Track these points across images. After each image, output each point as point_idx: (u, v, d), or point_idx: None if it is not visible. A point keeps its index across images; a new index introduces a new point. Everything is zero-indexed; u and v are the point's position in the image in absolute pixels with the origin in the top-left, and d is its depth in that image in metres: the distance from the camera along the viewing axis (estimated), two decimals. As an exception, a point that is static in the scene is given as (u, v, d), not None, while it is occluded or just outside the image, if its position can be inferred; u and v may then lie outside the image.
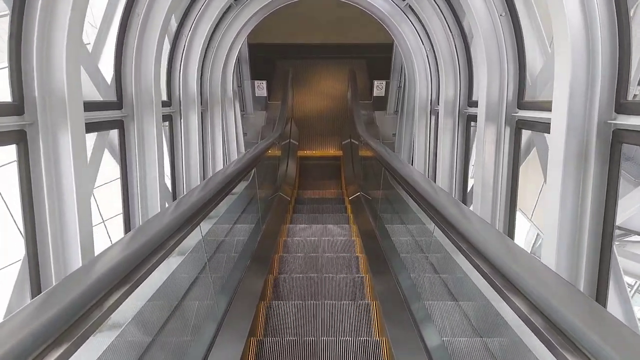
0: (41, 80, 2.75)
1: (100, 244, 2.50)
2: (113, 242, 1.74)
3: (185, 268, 2.88)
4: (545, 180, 3.80)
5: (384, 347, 2.97)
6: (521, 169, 4.28)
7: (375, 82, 11.89)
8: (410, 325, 2.98)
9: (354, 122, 9.22)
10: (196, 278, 2.93)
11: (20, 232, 2.88)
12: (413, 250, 4.02)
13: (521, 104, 4.12)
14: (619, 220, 2.72)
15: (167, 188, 5.72)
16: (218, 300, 3.22)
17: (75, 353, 1.25)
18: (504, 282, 1.60)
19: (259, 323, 3.37)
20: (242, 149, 9.07)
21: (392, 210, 5.35)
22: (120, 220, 4.59)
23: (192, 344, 2.71)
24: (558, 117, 2.78)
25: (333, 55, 13.53)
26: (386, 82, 11.79)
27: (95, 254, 2.15)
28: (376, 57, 12.59)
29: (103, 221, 8.25)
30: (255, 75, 12.10)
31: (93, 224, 3.17)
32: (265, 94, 12.05)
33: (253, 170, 4.99)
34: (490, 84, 4.19)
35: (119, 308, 1.51)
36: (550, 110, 2.96)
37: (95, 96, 4.05)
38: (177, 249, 2.19)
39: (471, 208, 4.88)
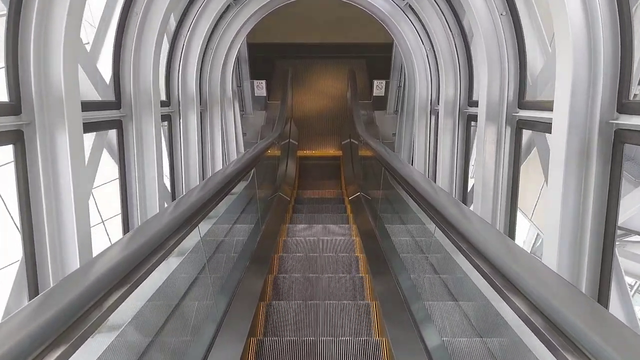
0: (38, 79, 2.73)
1: (100, 245, 2.48)
2: (111, 243, 1.73)
3: (184, 269, 2.87)
4: (546, 181, 3.78)
5: (383, 347, 2.96)
6: (521, 168, 4.27)
7: (375, 82, 11.88)
8: (410, 325, 2.98)
9: (354, 122, 9.21)
10: (195, 279, 2.92)
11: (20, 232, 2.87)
12: (413, 251, 4.01)
13: (522, 104, 4.10)
14: (619, 221, 2.71)
15: (166, 188, 5.70)
16: (218, 301, 3.22)
17: (74, 354, 1.24)
18: (504, 282, 1.59)
19: (259, 323, 3.36)
20: (242, 149, 9.05)
21: (392, 210, 5.34)
22: (119, 220, 4.58)
23: (191, 344, 2.71)
24: (559, 117, 2.76)
25: (332, 55, 13.52)
26: (386, 82, 11.77)
27: (93, 255, 2.14)
28: (376, 56, 12.58)
29: (102, 221, 8.24)
30: (255, 75, 12.09)
31: (92, 224, 3.16)
32: (264, 94, 12.03)
33: (252, 171, 4.98)
34: (490, 83, 4.17)
35: (117, 309, 1.50)
36: (552, 110, 2.94)
37: (94, 96, 4.04)
38: (176, 249, 2.18)
39: (471, 208, 4.86)
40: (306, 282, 4.05)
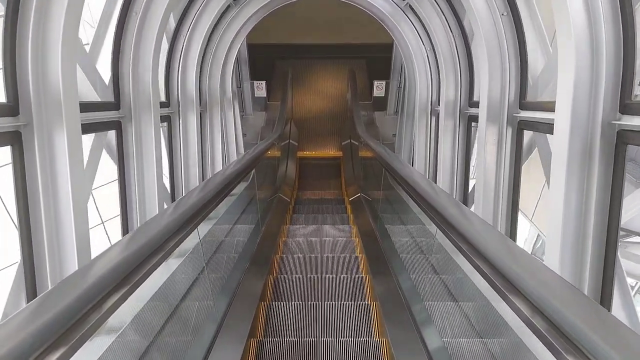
0: (36, 80, 2.71)
1: (101, 246, 2.46)
2: (110, 245, 1.72)
3: (183, 270, 2.86)
4: (547, 182, 3.76)
5: (384, 347, 2.96)
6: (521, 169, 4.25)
7: (375, 83, 11.86)
8: (411, 326, 2.98)
9: (354, 123, 9.20)
10: (195, 280, 2.91)
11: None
12: (413, 251, 4.01)
13: (523, 105, 4.08)
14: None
15: (166, 189, 5.69)
16: (218, 301, 3.22)
17: (73, 356, 1.23)
18: (505, 283, 1.59)
19: (259, 324, 3.36)
20: (242, 150, 9.03)
21: (392, 210, 5.34)
22: (119, 221, 4.56)
23: (191, 345, 2.70)
24: (561, 118, 2.75)
25: (332, 56, 13.50)
26: (386, 83, 11.75)
27: (92, 257, 2.12)
28: (376, 57, 12.57)
29: (102, 222, 8.22)
30: (255, 76, 12.08)
31: (92, 226, 3.14)
32: (264, 95, 12.02)
33: (252, 172, 4.97)
34: (491, 84, 4.16)
35: (116, 311, 1.49)
36: (553, 111, 2.92)
37: (93, 97, 4.02)
38: (175, 251, 2.17)
39: (472, 209, 4.85)
40: (306, 282, 4.05)
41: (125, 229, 4.44)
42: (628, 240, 7.37)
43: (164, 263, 1.99)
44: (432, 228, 2.91)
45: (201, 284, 2.93)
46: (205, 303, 2.99)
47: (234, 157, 8.32)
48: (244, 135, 10.11)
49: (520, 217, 4.41)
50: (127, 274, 1.58)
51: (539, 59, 4.10)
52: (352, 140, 10.22)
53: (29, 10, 2.65)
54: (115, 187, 4.53)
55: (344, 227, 5.97)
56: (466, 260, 2.02)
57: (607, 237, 2.67)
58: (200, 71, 6.65)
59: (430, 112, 6.98)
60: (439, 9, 5.74)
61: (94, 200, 6.95)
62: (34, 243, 2.80)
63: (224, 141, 7.73)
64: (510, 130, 4.15)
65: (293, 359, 2.91)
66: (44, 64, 2.73)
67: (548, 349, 1.27)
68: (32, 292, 2.81)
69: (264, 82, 11.85)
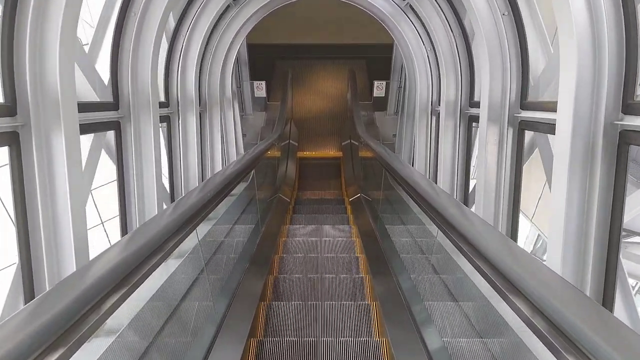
0: (34, 80, 2.69)
1: (100, 246, 2.45)
2: (108, 246, 1.71)
3: (182, 271, 2.85)
4: (549, 182, 3.75)
5: (384, 347, 2.97)
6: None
7: (375, 83, 11.85)
8: (411, 326, 2.99)
9: (354, 123, 9.19)
10: (195, 280, 2.91)
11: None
12: (413, 251, 4.02)
13: (524, 105, 4.06)
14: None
15: (165, 190, 5.67)
16: (218, 302, 3.22)
17: (72, 358, 1.23)
18: (506, 283, 1.58)
19: (259, 324, 3.37)
20: (241, 150, 9.02)
21: (392, 211, 5.33)
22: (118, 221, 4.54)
23: (191, 345, 2.71)
24: (563, 118, 2.73)
25: (332, 56, 13.49)
26: (386, 83, 11.74)
27: (90, 258, 2.11)
28: (376, 57, 12.55)
29: (102, 222, 8.20)
30: (255, 76, 12.06)
31: (92, 226, 3.13)
32: (264, 95, 12.01)
33: (252, 172, 4.96)
34: (492, 84, 4.14)
35: (114, 313, 1.49)
36: (554, 111, 2.91)
37: (92, 97, 4.00)
38: (175, 252, 2.16)
39: (473, 209, 4.84)
40: (306, 282, 4.06)
41: (124, 230, 4.42)
42: (628, 240, 7.35)
43: (163, 264, 1.98)
44: (432, 228, 2.91)
45: (201, 284, 2.92)
46: (205, 303, 2.99)
47: (233, 157, 8.31)
48: (243, 135, 10.09)
49: (520, 217, 4.40)
50: (125, 275, 1.58)
51: (540, 58, 4.08)
52: (352, 141, 10.21)
53: (27, 9, 2.63)
54: (113, 188, 4.51)
55: (344, 227, 5.97)
56: (466, 261, 2.01)
57: (609, 238, 2.65)
58: (200, 71, 6.63)
59: (431, 112, 6.96)
60: (440, 9, 5.72)
61: (94, 200, 6.93)
62: (31, 244, 2.77)
63: (223, 141, 7.71)
64: (511, 131, 4.13)
65: (293, 359, 2.92)
66: (41, 63, 2.71)
67: (549, 349, 1.27)
68: (30, 294, 2.78)
69: (263, 82, 11.83)
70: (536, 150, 4.25)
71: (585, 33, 2.59)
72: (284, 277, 4.15)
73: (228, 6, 6.75)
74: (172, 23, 5.93)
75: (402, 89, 10.55)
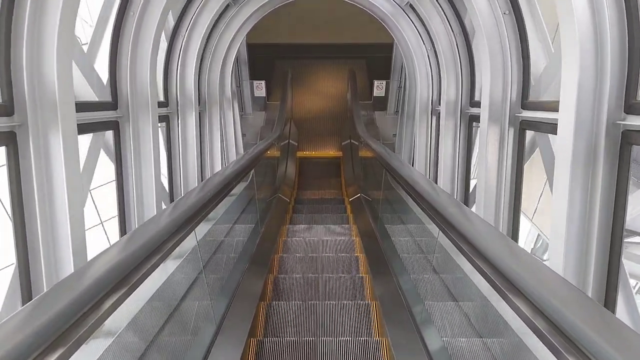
0: (31, 80, 2.67)
1: (100, 246, 2.44)
2: (107, 247, 1.70)
3: (182, 272, 2.84)
4: (550, 182, 3.73)
5: (383, 347, 2.97)
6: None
7: (375, 82, 11.84)
8: (411, 325, 2.99)
9: (354, 123, 9.17)
10: (194, 281, 2.91)
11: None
12: (413, 251, 4.02)
13: (525, 104, 4.04)
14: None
15: (164, 190, 5.65)
16: (218, 302, 3.23)
17: (70, 359, 1.22)
18: (506, 283, 1.57)
19: (259, 323, 3.38)
20: (241, 150, 9.00)
21: (392, 210, 5.33)
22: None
23: (191, 345, 2.71)
24: (565, 118, 2.71)
25: (332, 55, 13.47)
26: (386, 82, 11.73)
27: (88, 259, 2.10)
28: (376, 56, 12.53)
29: (101, 222, 8.17)
30: (254, 76, 12.05)
31: (91, 226, 3.11)
32: (264, 95, 11.99)
33: (251, 172, 4.94)
34: (493, 83, 4.12)
35: (113, 314, 1.48)
36: (556, 111, 2.89)
37: (91, 97, 3.98)
38: (174, 252, 2.15)
39: (473, 209, 4.82)
40: (306, 282, 4.07)
41: (123, 230, 4.40)
42: (628, 240, 7.34)
43: (160, 267, 1.97)
44: (432, 228, 2.90)
45: (200, 284, 2.91)
46: (205, 303, 2.98)
47: (233, 157, 8.29)
48: (243, 135, 10.07)
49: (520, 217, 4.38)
50: (124, 276, 1.58)
51: (541, 58, 4.06)
52: (352, 140, 10.19)
53: (24, 7, 2.61)
54: (113, 188, 4.49)
55: (344, 227, 5.97)
56: (466, 261, 2.01)
57: (611, 239, 2.63)
58: (200, 70, 6.61)
59: (431, 111, 6.94)
60: (440, 8, 5.70)
61: (93, 200, 6.90)
62: (29, 245, 2.75)
63: (223, 141, 7.69)
64: (512, 130, 4.11)
65: (293, 359, 2.92)
66: (39, 62, 2.69)
67: (549, 350, 1.26)
68: (27, 296, 2.76)
69: (263, 82, 11.82)
70: (536, 150, 4.23)
71: (587, 32, 2.57)
72: (283, 277, 4.16)
73: (227, 5, 6.73)
74: (171, 22, 5.90)
75: (402, 88, 10.53)
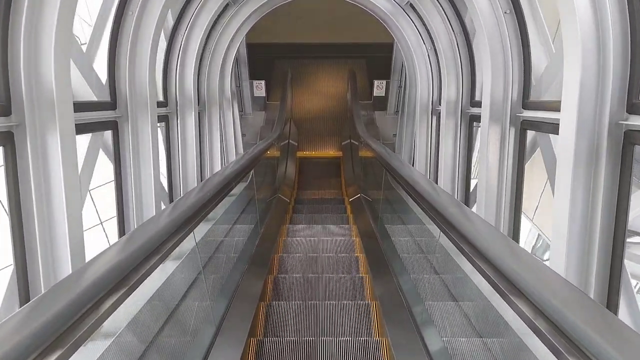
0: (29, 79, 2.64)
1: (99, 246, 2.42)
2: (105, 248, 1.69)
3: (181, 272, 2.84)
4: (550, 182, 3.71)
5: (383, 347, 2.98)
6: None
7: (375, 82, 11.83)
8: (411, 325, 2.99)
9: (354, 123, 9.16)
10: (193, 281, 2.90)
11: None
12: (414, 251, 4.02)
13: (526, 104, 4.02)
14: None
15: (164, 190, 5.63)
16: (217, 302, 3.22)
17: None
18: (507, 284, 1.57)
19: (259, 323, 3.38)
20: (241, 150, 8.98)
21: (392, 211, 5.32)
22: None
23: (191, 345, 2.72)
24: (567, 118, 2.69)
25: (332, 55, 13.45)
26: (386, 82, 11.71)
27: (86, 261, 2.09)
28: (376, 56, 12.51)
29: (101, 222, 8.15)
30: (254, 76, 12.03)
31: (91, 226, 3.10)
32: (263, 94, 11.98)
33: (251, 172, 4.93)
34: (494, 83, 4.10)
35: (112, 315, 1.48)
36: (557, 111, 2.87)
37: (90, 96, 3.96)
38: (174, 252, 2.14)
39: (474, 210, 4.81)
40: (306, 282, 4.08)
41: (121, 230, 4.38)
42: (629, 240, 7.32)
43: (158, 268, 1.96)
44: (432, 228, 2.90)
45: (200, 285, 2.90)
46: (205, 303, 2.98)
47: (233, 157, 8.27)
48: (243, 135, 10.06)
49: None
50: (123, 277, 1.57)
51: (541, 58, 4.04)
52: (352, 140, 10.18)
53: (22, 5, 2.58)
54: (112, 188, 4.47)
55: (344, 227, 5.97)
56: (467, 261, 2.01)
57: (613, 240, 2.61)
58: (199, 70, 6.60)
59: (431, 111, 6.93)
60: (440, 7, 5.68)
61: (93, 200, 6.88)
62: (27, 247, 2.73)
63: (222, 141, 7.68)
64: (513, 130, 4.09)
65: (293, 359, 2.93)
66: (36, 62, 2.67)
67: (550, 351, 1.25)
68: (25, 297, 2.74)
69: (263, 82, 11.81)
70: (537, 150, 4.21)
71: (589, 31, 2.55)
72: (283, 277, 4.15)
73: (227, 5, 6.71)
74: (170, 21, 5.88)
75: (403, 88, 10.52)
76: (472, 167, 5.82)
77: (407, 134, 8.85)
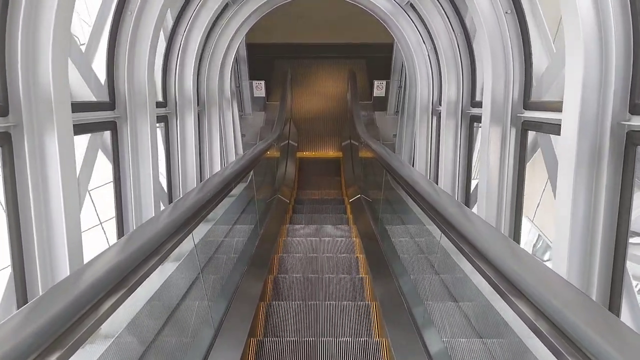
0: (26, 79, 2.62)
1: (99, 246, 2.40)
2: (104, 249, 1.69)
3: (181, 272, 2.83)
4: (551, 183, 3.69)
5: (383, 347, 2.98)
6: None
7: (376, 82, 11.82)
8: (411, 326, 3.00)
9: (354, 123, 9.15)
10: (193, 282, 2.89)
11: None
12: (414, 252, 4.01)
13: (527, 105, 4.00)
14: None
15: (163, 190, 5.62)
16: (217, 302, 3.22)
17: None
18: (508, 285, 1.56)
19: (259, 323, 3.39)
20: (240, 151, 8.96)
21: (392, 211, 5.31)
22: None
23: (191, 345, 2.71)
24: (569, 119, 2.67)
25: (332, 55, 13.44)
26: (386, 82, 11.71)
27: (84, 262, 2.07)
28: (376, 56, 12.51)
29: (100, 223, 8.13)
30: (254, 76, 12.02)
31: (91, 226, 3.08)
32: (263, 95, 11.97)
33: (251, 173, 4.92)
34: (495, 83, 4.08)
35: (110, 316, 1.48)
36: (559, 111, 2.86)
37: (89, 97, 3.94)
38: (174, 252, 2.13)
39: (474, 210, 4.79)
40: (306, 282, 4.07)
41: (120, 231, 4.37)
42: (630, 241, 7.30)
43: (160, 266, 1.95)
44: (433, 228, 2.90)
45: (200, 285, 2.90)
46: (205, 303, 2.97)
47: (232, 157, 8.25)
48: (242, 135, 10.04)
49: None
50: (122, 278, 1.57)
51: (542, 58, 4.02)
52: (352, 141, 10.17)
53: (19, 4, 2.56)
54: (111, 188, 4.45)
55: (344, 228, 5.96)
56: (467, 262, 2.01)
57: (616, 241, 2.59)
58: (199, 70, 6.58)
59: (432, 112, 6.91)
60: (441, 7, 5.67)
61: (92, 200, 6.86)
62: (24, 248, 2.71)
63: (222, 141, 7.66)
64: (514, 131, 4.07)
65: (293, 359, 2.93)
66: (34, 62, 2.64)
67: (551, 352, 1.25)
68: (23, 299, 2.72)
69: (263, 82, 11.80)
70: (537, 151, 4.20)
71: (592, 32, 2.53)
72: (283, 277, 4.15)
73: (227, 4, 6.69)
74: (169, 21, 5.87)
75: (403, 88, 10.50)
76: (473, 168, 5.81)
77: (407, 134, 8.83)
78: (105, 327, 1.51)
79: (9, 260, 2.71)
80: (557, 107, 3.09)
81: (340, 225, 6.05)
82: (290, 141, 10.75)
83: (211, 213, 2.86)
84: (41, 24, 2.63)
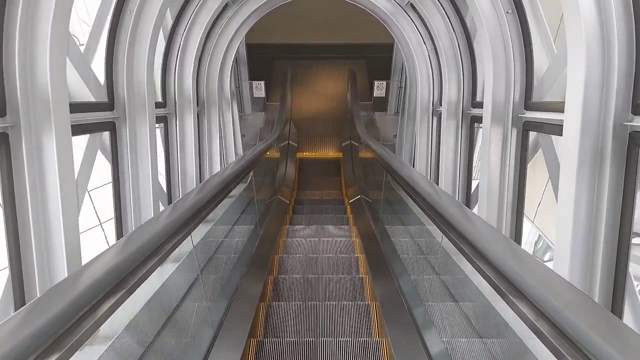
0: (24, 80, 2.60)
1: (99, 247, 2.39)
2: (103, 250, 1.67)
3: (181, 273, 2.82)
4: (552, 183, 3.68)
5: (383, 348, 2.98)
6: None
7: (376, 83, 11.80)
8: (411, 326, 2.99)
9: (354, 124, 9.14)
10: (193, 282, 2.89)
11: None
12: (414, 252, 4.01)
13: (528, 105, 3.99)
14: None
15: (162, 191, 5.60)
16: (217, 303, 3.22)
17: None
18: (509, 286, 1.55)
19: (259, 323, 3.38)
20: (240, 151, 8.95)
21: (392, 212, 5.31)
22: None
23: (192, 345, 2.70)
24: (571, 119, 2.65)
25: (332, 55, 13.43)
26: (386, 83, 11.69)
27: (82, 264, 2.06)
28: (376, 57, 12.50)
29: (100, 223, 8.11)
30: (254, 76, 12.01)
31: (90, 227, 3.06)
32: (263, 95, 11.96)
33: (251, 173, 4.91)
34: (495, 84, 4.07)
35: (110, 318, 1.46)
36: (560, 112, 2.85)
37: (88, 97, 3.93)
38: (174, 253, 2.12)
39: (475, 211, 4.78)
40: (306, 282, 4.08)
41: (119, 231, 4.35)
42: (632, 242, 7.29)
43: (160, 267, 1.94)
44: (433, 229, 2.89)
45: (200, 286, 2.89)
46: (205, 304, 2.97)
47: (232, 158, 8.24)
48: (242, 136, 10.03)
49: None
50: (121, 279, 1.55)
51: (543, 58, 4.01)
52: (352, 141, 10.17)
53: (17, 4, 2.54)
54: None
55: (344, 228, 5.95)
56: (467, 262, 2.00)
57: (618, 243, 2.58)
58: (198, 71, 6.57)
59: (432, 112, 6.90)
60: (441, 7, 5.65)
61: (92, 201, 6.85)
62: (22, 250, 2.69)
63: (222, 142, 7.64)
64: (515, 131, 4.06)
65: (293, 359, 2.93)
66: (32, 61, 2.62)
67: (552, 353, 1.24)
68: (20, 301, 2.70)
69: (262, 82, 11.79)
70: (538, 151, 4.18)
71: (594, 31, 2.51)
72: (283, 278, 4.15)
73: (226, 4, 6.68)
74: (169, 21, 5.85)
75: (403, 89, 10.49)
76: (473, 168, 5.79)
77: (408, 134, 8.82)
78: (104, 328, 1.50)
79: (7, 261, 2.70)
80: (558, 107, 3.07)
81: (340, 226, 6.04)
82: (290, 141, 10.74)
83: (211, 214, 2.84)
84: (39, 23, 2.61)
